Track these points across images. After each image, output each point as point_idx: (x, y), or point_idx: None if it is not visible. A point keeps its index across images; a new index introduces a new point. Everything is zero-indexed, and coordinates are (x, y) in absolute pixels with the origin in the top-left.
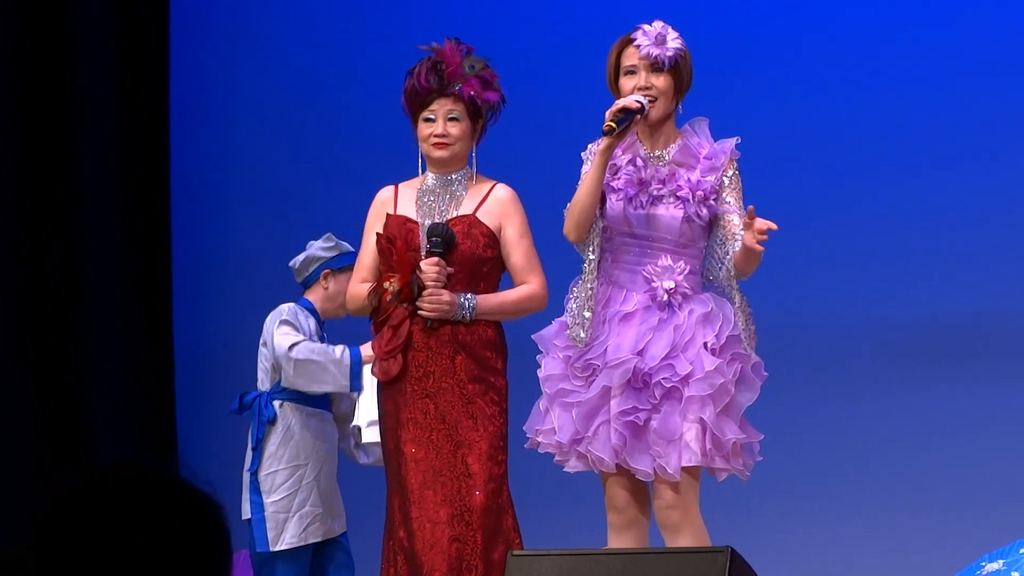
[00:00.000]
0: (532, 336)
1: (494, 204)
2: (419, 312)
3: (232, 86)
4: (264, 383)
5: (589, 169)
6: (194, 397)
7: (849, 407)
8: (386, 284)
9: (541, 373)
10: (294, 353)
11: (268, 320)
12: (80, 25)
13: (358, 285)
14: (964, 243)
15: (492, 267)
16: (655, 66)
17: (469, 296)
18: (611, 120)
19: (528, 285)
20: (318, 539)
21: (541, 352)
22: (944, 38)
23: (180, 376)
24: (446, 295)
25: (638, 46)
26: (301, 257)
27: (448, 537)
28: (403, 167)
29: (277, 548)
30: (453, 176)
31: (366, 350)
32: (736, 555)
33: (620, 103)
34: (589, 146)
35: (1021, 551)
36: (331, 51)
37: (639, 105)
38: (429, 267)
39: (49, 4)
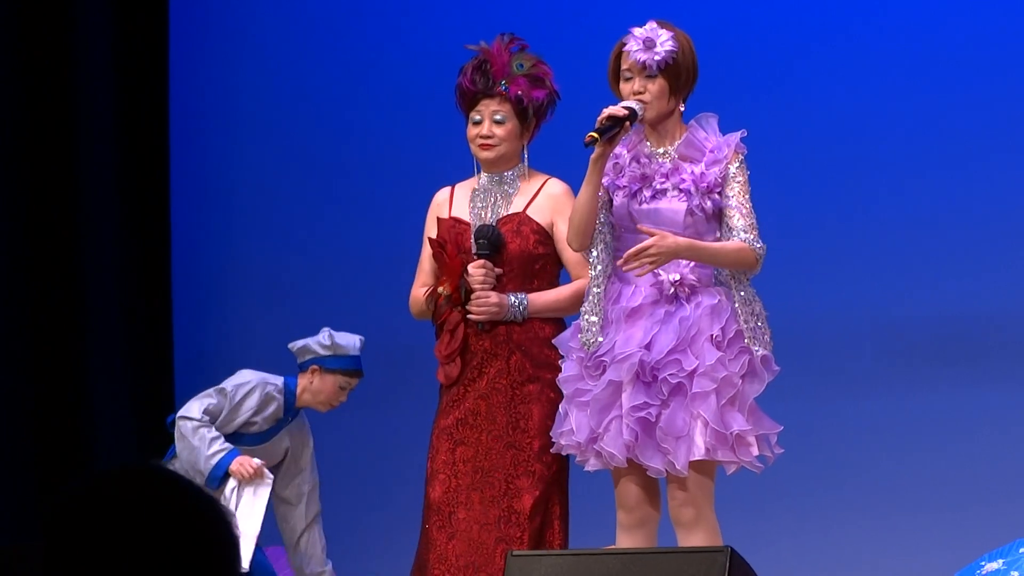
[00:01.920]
0: (552, 341)
1: (546, 200)
2: (468, 316)
3: (232, 85)
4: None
5: (584, 179)
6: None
7: (850, 408)
8: (439, 289)
9: (560, 377)
10: (180, 425)
11: (240, 372)
12: (80, 25)
13: (418, 290)
14: (966, 244)
15: (545, 263)
16: (646, 71)
17: (520, 295)
18: (594, 131)
19: (584, 280)
20: None
21: (563, 358)
22: (946, 40)
23: (180, 376)
24: (493, 297)
25: (629, 51)
26: (300, 343)
27: (494, 538)
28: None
29: None
30: (505, 174)
31: (236, 464)
32: (736, 555)
33: (607, 111)
34: None
35: (1021, 551)
36: (332, 50)
37: (627, 112)
38: (475, 270)
39: (49, 4)
